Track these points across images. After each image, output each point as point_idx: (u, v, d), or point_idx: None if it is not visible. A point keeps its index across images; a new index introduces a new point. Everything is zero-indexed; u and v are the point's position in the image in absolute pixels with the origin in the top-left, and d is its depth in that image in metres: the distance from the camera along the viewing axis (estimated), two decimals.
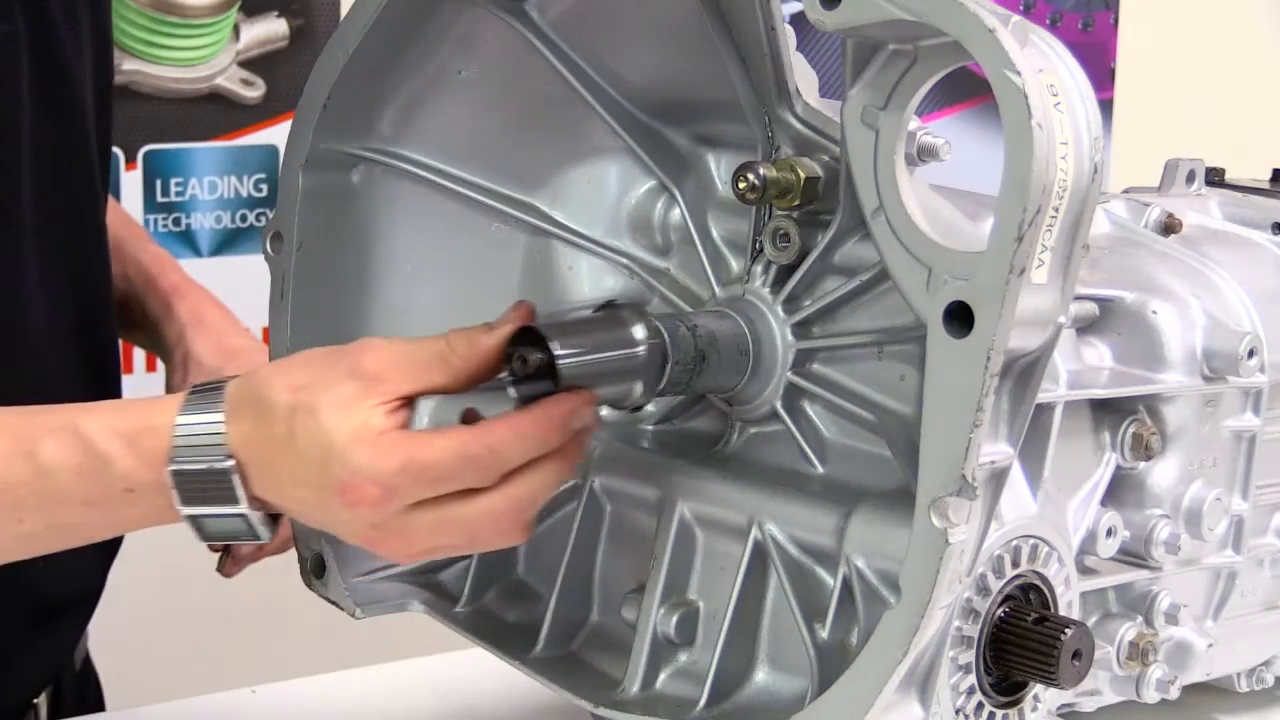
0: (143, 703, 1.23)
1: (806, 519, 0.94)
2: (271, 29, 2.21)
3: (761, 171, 0.92)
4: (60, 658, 1.26)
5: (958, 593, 0.88)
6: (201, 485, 0.91)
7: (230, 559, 1.28)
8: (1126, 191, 1.17)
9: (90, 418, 0.93)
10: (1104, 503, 1.00)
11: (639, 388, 0.93)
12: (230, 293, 2.09)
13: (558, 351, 0.89)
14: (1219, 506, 1.04)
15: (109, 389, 1.26)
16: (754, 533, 0.95)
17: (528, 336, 0.90)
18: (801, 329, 0.97)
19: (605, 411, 1.07)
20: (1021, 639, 0.91)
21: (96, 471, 0.92)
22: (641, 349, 0.92)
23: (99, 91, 1.21)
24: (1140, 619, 1.02)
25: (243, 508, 0.91)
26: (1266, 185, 1.24)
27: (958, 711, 0.90)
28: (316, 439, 0.88)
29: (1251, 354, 1.04)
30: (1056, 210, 0.79)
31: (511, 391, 0.91)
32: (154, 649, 2.14)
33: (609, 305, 1.07)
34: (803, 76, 0.94)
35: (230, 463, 0.90)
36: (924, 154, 0.88)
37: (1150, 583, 1.03)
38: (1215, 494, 1.04)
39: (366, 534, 0.90)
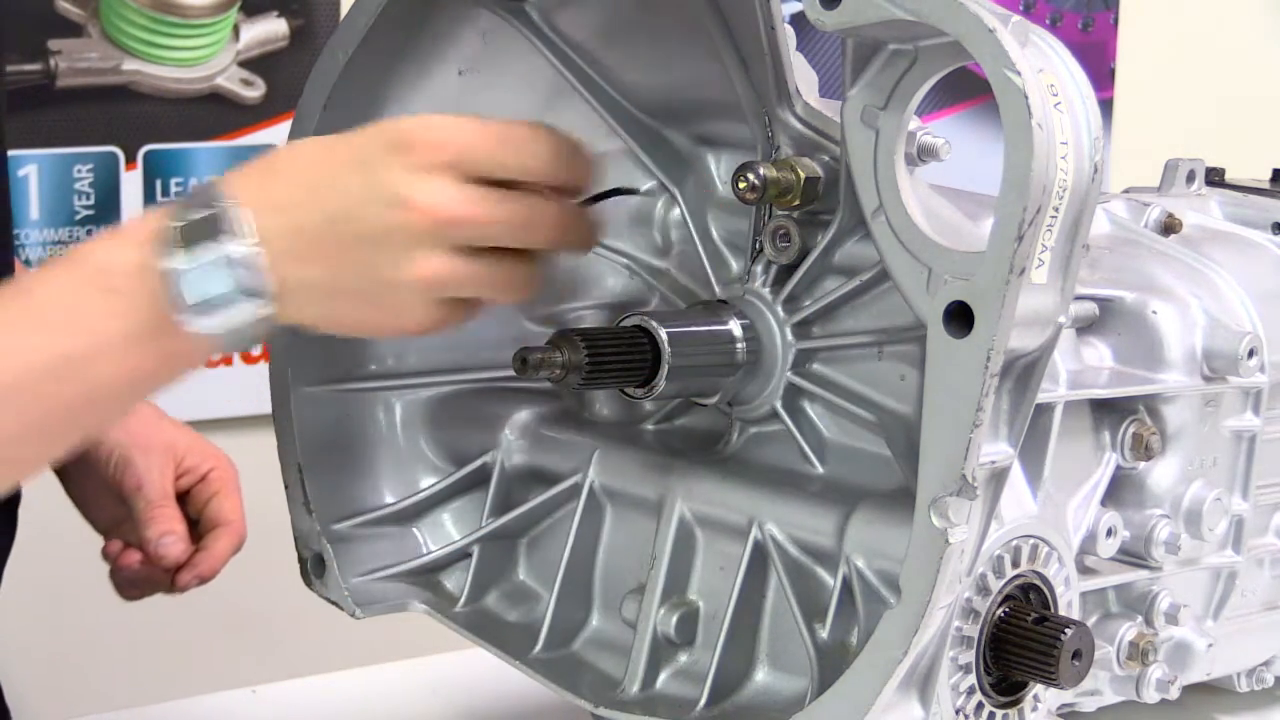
0: (144, 702, 1.23)
1: (806, 519, 0.94)
2: (271, 29, 2.20)
3: (761, 171, 0.92)
4: None
5: (958, 593, 0.88)
6: (195, 228, 0.81)
7: (124, 578, 1.18)
8: (1126, 191, 1.17)
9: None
10: (1104, 503, 1.00)
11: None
12: None
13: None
14: (1219, 506, 1.04)
15: None
16: (754, 533, 0.95)
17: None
18: (801, 329, 0.97)
19: (605, 411, 1.07)
20: (1021, 639, 0.91)
21: (69, 275, 0.82)
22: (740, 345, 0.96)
23: None
24: (1140, 619, 1.02)
25: (242, 243, 0.81)
26: (1266, 185, 1.23)
27: (958, 711, 0.90)
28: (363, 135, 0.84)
29: (1251, 354, 1.04)
30: (1056, 210, 0.79)
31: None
32: (154, 649, 2.14)
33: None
34: (803, 76, 0.94)
35: (230, 202, 0.82)
36: (924, 154, 0.88)
37: (1150, 583, 1.03)
38: (1215, 494, 1.04)
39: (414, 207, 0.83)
